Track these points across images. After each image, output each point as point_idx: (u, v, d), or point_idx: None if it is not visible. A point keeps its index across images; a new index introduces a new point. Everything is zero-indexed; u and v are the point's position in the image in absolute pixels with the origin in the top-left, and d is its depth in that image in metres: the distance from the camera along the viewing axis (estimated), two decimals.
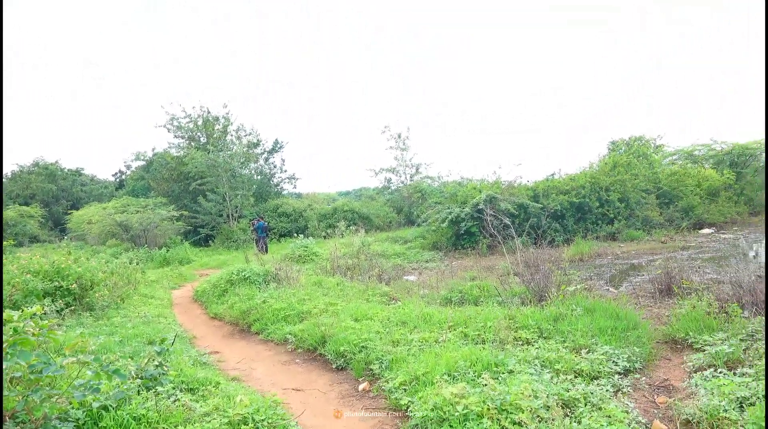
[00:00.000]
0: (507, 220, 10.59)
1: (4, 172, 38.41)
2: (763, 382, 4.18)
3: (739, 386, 4.16)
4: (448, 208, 18.88)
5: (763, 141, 26.98)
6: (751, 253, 13.67)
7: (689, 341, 5.88)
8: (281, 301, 9.08)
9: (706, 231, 19.61)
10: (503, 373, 4.81)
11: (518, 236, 13.86)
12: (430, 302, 8.83)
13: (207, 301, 11.25)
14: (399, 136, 33.42)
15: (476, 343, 6.01)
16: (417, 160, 34.55)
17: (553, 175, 22.44)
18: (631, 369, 5.20)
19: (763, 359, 4.68)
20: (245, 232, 26.47)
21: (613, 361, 5.19)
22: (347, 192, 54.11)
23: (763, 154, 27.60)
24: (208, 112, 31.33)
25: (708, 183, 23.08)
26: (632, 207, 19.91)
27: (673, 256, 13.01)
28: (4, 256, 11.41)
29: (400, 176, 34.52)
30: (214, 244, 26.70)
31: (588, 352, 5.38)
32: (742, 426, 3.54)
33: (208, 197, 27.26)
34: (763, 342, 5.31)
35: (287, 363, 6.91)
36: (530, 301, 7.66)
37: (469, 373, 4.82)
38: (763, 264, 9.12)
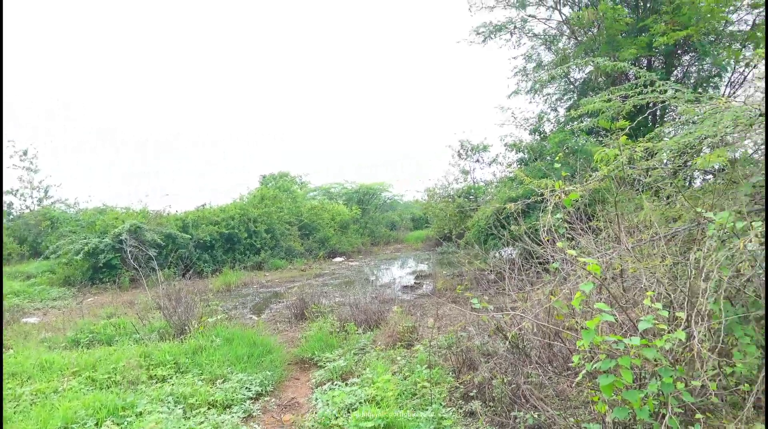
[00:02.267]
0: (152, 252, 10.02)
1: None
2: (367, 388, 4.97)
3: (348, 395, 4.84)
4: (85, 238, 16.76)
5: (384, 183, 32.95)
6: (372, 277, 16.28)
7: (315, 360, 6.58)
8: None
9: (338, 259, 22.50)
10: (130, 417, 4.46)
11: (166, 268, 13.30)
12: (52, 347, 7.63)
13: None
14: (25, 153, 28.25)
15: (104, 388, 5.43)
16: (48, 181, 29.68)
17: (204, 205, 22.34)
18: (263, 392, 5.51)
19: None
20: None
21: (247, 387, 5.40)
22: None
23: (383, 194, 33.65)
24: None
25: (341, 217, 26.64)
26: (277, 238, 21.38)
27: (310, 283, 14.43)
28: None
29: (26, 200, 29.02)
30: None
31: (223, 382, 5.47)
32: None
33: None
34: (372, 354, 6.34)
35: None
36: (171, 336, 7.37)
37: (89, 422, 4.31)
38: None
